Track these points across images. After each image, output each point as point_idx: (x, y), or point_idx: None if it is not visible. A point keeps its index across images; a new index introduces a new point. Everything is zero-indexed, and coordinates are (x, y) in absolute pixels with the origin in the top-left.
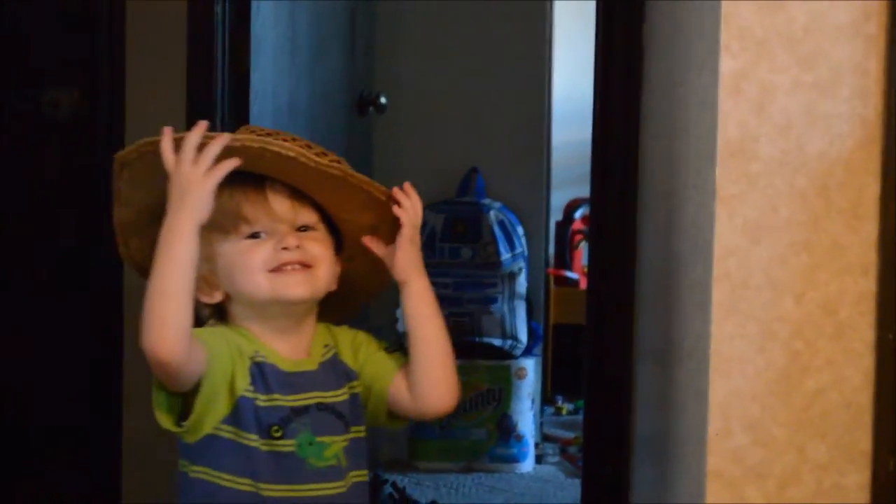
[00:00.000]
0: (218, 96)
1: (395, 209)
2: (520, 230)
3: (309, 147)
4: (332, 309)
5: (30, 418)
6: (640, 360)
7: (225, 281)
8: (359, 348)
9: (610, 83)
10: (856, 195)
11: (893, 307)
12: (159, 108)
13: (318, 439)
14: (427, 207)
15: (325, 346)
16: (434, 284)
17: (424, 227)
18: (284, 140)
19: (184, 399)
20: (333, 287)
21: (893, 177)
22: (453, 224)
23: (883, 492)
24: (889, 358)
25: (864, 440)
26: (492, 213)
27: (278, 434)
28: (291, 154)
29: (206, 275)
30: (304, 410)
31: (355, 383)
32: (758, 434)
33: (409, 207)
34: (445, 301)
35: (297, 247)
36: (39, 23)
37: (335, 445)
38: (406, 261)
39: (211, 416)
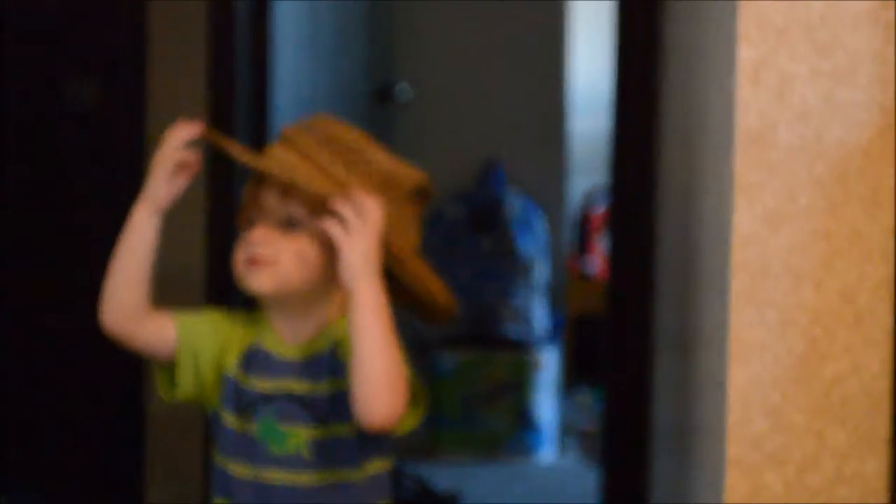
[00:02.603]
0: (239, 87)
1: (325, 221)
2: (539, 221)
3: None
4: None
5: (52, 405)
6: (660, 349)
7: None
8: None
9: (628, 71)
10: (874, 183)
11: None
12: (181, 99)
13: (282, 427)
14: (447, 198)
15: (334, 339)
16: (453, 275)
17: (443, 218)
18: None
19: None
20: (322, 281)
21: None
22: (473, 215)
23: None
24: None
25: (882, 427)
26: (511, 204)
27: (246, 415)
28: (235, 154)
29: None
30: (272, 396)
31: (342, 380)
32: (777, 421)
33: (349, 215)
34: (464, 292)
35: (261, 242)
36: (62, 13)
37: (299, 436)
38: (343, 267)
39: (207, 391)
